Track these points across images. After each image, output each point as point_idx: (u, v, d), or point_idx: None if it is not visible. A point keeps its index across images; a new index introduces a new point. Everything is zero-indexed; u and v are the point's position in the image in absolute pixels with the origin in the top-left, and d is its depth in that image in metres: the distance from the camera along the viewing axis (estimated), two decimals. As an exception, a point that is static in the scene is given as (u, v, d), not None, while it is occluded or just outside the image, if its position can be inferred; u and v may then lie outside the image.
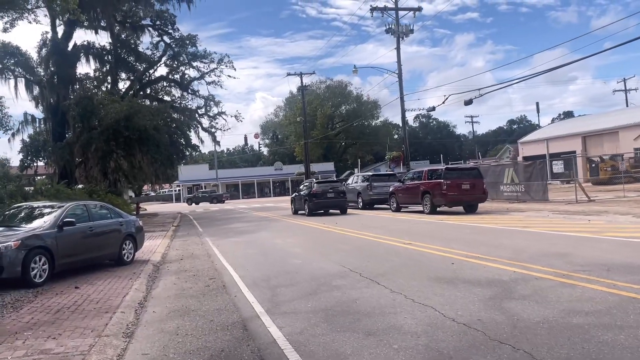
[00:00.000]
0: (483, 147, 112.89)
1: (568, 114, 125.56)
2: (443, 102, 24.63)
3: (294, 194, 27.22)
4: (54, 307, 7.02)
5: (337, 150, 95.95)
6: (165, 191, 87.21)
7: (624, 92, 62.03)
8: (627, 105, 59.80)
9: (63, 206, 10.09)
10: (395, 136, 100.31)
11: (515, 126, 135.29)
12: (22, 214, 10.14)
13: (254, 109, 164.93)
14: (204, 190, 67.84)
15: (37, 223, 9.48)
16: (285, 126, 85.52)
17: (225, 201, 59.88)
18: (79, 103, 24.30)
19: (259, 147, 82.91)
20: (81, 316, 6.41)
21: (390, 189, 23.67)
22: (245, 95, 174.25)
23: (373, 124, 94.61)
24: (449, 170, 19.66)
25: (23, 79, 25.67)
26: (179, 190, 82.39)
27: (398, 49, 29.08)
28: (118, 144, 25.28)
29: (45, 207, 10.31)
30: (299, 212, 25.55)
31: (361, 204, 26.33)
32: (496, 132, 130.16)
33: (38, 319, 6.32)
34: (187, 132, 31.46)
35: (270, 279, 8.23)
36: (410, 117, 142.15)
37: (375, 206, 26.49)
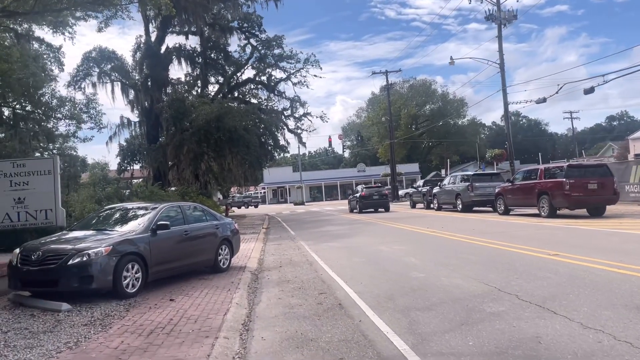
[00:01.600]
0: (579, 146, 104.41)
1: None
2: (557, 92, 21.93)
3: (349, 196, 33.27)
4: (146, 326, 5.96)
5: (422, 151, 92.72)
6: (250, 193, 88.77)
7: None
8: None
9: (157, 207, 9.22)
10: (483, 135, 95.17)
11: (615, 123, 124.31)
12: (115, 216, 9.39)
13: (334, 112, 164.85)
14: (241, 195, 71.82)
15: (129, 226, 8.65)
16: (368, 127, 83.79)
17: (258, 206, 63.36)
18: (171, 105, 24.30)
19: (343, 149, 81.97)
20: (178, 341, 5.25)
21: (497, 190, 21.32)
22: (325, 99, 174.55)
23: (459, 122, 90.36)
24: (571, 168, 17.09)
25: (119, 83, 26.24)
26: (264, 192, 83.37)
27: (500, 36, 26.52)
28: (209, 145, 25.00)
29: (138, 208, 9.51)
30: (353, 210, 32.12)
31: (460, 206, 24.13)
32: (594, 130, 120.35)
33: (128, 343, 5.24)
34: (275, 133, 30.80)
35: (394, 297, 6.70)
36: (497, 115, 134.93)
37: (475, 209, 24.19)
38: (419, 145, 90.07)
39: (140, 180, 35.95)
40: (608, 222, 15.02)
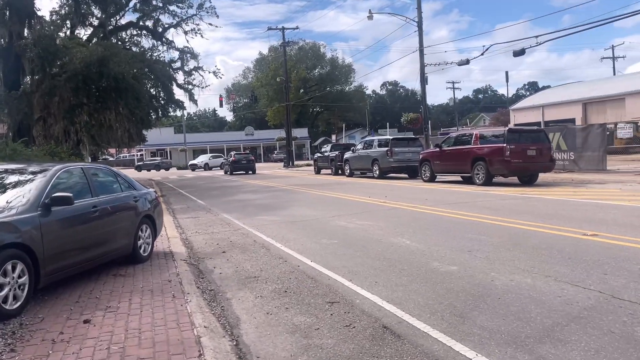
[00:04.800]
0: (449, 116, 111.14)
1: (532, 85, 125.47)
2: (482, 54, 21.11)
3: (316, 156, 33.33)
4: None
5: (310, 116, 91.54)
6: (125, 156, 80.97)
7: (612, 59, 60.42)
8: (614, 74, 58.21)
9: (46, 170, 5.96)
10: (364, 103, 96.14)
11: (481, 96, 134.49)
12: (-26, 184, 5.95)
13: (210, 74, 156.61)
14: (150, 158, 68.51)
15: (2, 200, 5.36)
16: (257, 89, 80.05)
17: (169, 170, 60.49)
18: (37, 43, 19.27)
19: (234, 110, 76.54)
20: None
21: (422, 155, 20.17)
22: (203, 60, 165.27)
23: (346, 89, 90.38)
24: (512, 133, 16.21)
25: (-37, 10, 20.30)
26: (142, 155, 76.49)
27: (417, -6, 25.09)
28: (90, 94, 20.48)
29: (15, 172, 6.14)
30: (226, 172, 37.69)
31: (378, 172, 22.78)
32: (462, 102, 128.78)
33: None
34: (169, 86, 26.51)
35: (464, 312, 4.50)
36: (377, 84, 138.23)
37: (390, 175, 23.04)
38: (307, 110, 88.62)
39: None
40: (551, 190, 14.35)
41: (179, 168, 60.91)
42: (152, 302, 5.15)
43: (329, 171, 29.64)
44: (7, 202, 5.22)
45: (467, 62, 22.60)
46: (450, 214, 10.46)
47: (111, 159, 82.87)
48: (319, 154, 32.43)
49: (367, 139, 29.02)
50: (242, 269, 6.71)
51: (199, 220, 12.01)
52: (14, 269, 4.71)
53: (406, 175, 22.69)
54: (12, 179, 5.94)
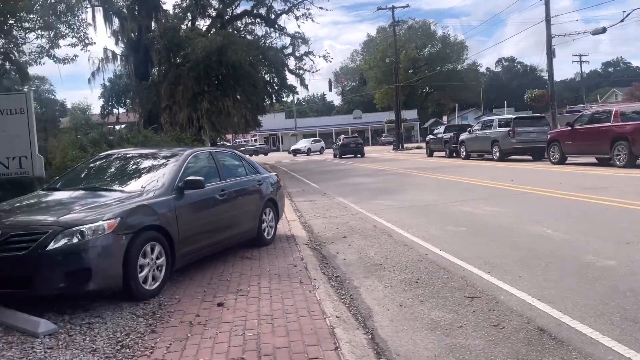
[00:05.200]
0: (573, 93, 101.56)
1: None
2: (622, 21, 18.73)
3: (428, 138, 31.92)
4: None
5: (419, 97, 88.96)
6: (241, 141, 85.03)
7: None
8: None
9: (179, 154, 6.12)
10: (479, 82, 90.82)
11: (611, 69, 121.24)
12: (115, 168, 6.29)
13: (320, 58, 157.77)
14: (251, 144, 69.72)
15: (140, 183, 5.59)
16: (365, 71, 79.32)
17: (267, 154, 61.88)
18: (163, 35, 20.57)
19: (342, 94, 76.52)
20: None
21: (549, 136, 18.50)
22: (312, 45, 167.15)
23: (458, 68, 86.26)
24: (662, 108, 14.19)
25: (101, 9, 22.22)
26: (256, 140, 79.79)
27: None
28: (210, 82, 21.52)
29: (150, 156, 6.40)
30: (336, 156, 37.60)
31: (498, 154, 21.33)
32: (590, 77, 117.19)
33: None
34: (283, 71, 27.05)
35: (623, 307, 3.87)
36: (491, 61, 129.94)
37: (512, 157, 21.45)
38: (416, 91, 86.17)
39: (124, 126, 32.34)
40: None
41: (289, 152, 62.52)
42: (280, 287, 5.07)
43: (442, 154, 28.51)
44: (142, 187, 5.42)
45: (604, 30, 20.26)
46: (592, 199, 9.34)
47: (228, 144, 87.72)
48: (432, 136, 31.30)
49: (485, 118, 27.36)
50: (365, 255, 6.45)
51: (316, 203, 12.00)
52: (152, 250, 4.86)
53: (530, 157, 21.04)
54: (147, 163, 6.19)
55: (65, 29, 15.80)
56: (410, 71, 78.54)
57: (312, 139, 64.51)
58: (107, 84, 31.25)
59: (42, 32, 16.04)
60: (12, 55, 23.34)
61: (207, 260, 6.11)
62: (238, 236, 6.62)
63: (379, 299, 4.71)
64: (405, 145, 48.08)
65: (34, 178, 12.92)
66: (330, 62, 38.69)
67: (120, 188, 5.48)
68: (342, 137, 40.68)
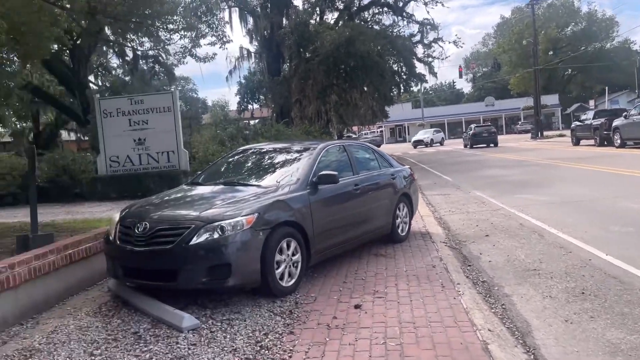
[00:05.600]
0: None
1: None
2: None
3: (574, 124, 28.66)
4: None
5: (560, 81, 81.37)
6: (367, 133, 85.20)
7: None
8: None
9: (312, 148, 5.99)
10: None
11: None
12: (252, 163, 6.35)
13: (451, 44, 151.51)
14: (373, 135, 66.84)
15: (275, 178, 5.55)
16: (499, 55, 74.50)
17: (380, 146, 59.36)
18: (294, 30, 21.05)
19: (474, 80, 72.82)
20: None
21: None
22: (441, 31, 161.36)
23: (608, 46, 77.18)
24: None
25: (237, 9, 23.44)
26: (381, 131, 79.35)
27: None
28: (339, 75, 21.60)
29: (283, 150, 6.37)
30: (466, 146, 36.38)
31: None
32: None
33: None
34: (411, 60, 26.27)
35: None
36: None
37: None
38: (557, 74, 78.92)
39: (257, 121, 33.91)
40: None
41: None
42: (420, 291, 4.68)
43: (590, 142, 25.61)
44: (277, 181, 5.36)
45: None
46: None
47: (354, 135, 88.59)
48: (578, 123, 28.28)
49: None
50: (514, 258, 5.79)
51: (450, 197, 11.33)
52: (288, 246, 4.77)
53: None
54: (281, 157, 6.16)
55: (205, 28, 16.80)
56: (550, 53, 71.93)
57: (433, 129, 62.19)
58: (243, 81, 33.01)
59: (185, 33, 17.22)
60: (160, 58, 25.67)
61: (341, 257, 5.93)
62: (372, 232, 6.34)
63: (538, 312, 4.11)
64: (545, 133, 44.25)
65: (180, 171, 13.95)
66: (461, 47, 36.77)
67: (257, 183, 5.49)
68: (473, 125, 39.43)
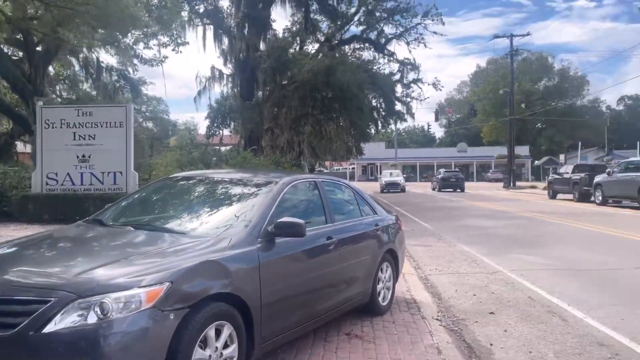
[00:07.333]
0: None
1: None
2: None
3: (551, 177, 28.37)
4: None
5: (531, 133, 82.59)
6: (338, 169, 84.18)
7: None
8: None
9: (271, 183, 4.29)
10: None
11: None
12: (189, 196, 4.56)
13: (425, 89, 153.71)
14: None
15: (213, 223, 3.82)
16: (474, 103, 75.31)
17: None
18: (271, 54, 19.66)
19: (449, 125, 73.32)
20: None
21: None
22: (419, 73, 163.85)
23: (577, 103, 79.15)
24: None
25: (212, 27, 21.97)
26: (353, 168, 78.49)
27: None
28: (315, 104, 20.19)
29: (236, 183, 4.63)
30: (434, 189, 37.57)
31: (649, 203, 17.61)
32: None
33: None
34: (391, 97, 25.13)
35: None
36: (613, 99, 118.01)
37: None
38: (527, 127, 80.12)
39: (229, 147, 32.17)
40: None
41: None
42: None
43: (568, 196, 24.75)
44: (216, 228, 3.64)
45: None
46: None
47: (325, 171, 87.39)
48: (556, 175, 27.57)
49: (633, 159, 23.30)
50: (540, 356, 4.15)
51: (433, 250, 9.75)
52: (218, 334, 3.03)
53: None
54: (231, 192, 4.45)
55: (154, 25, 15.14)
56: (523, 105, 73.06)
57: (396, 171, 60.91)
58: (214, 104, 31.36)
59: (149, 39, 15.56)
60: (126, 72, 23.86)
61: (301, 338, 4.20)
62: (346, 303, 4.63)
63: None
64: (518, 184, 43.81)
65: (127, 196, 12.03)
66: (441, 90, 35.58)
67: (182, 229, 3.73)
68: (442, 170, 41.68)
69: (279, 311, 3.60)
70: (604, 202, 20.66)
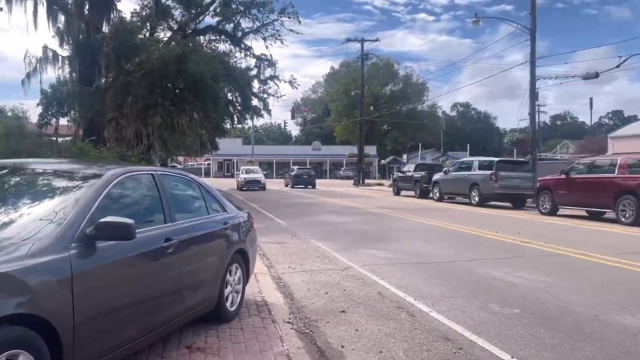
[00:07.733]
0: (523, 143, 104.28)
1: (617, 113, 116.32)
2: (617, 66, 17.66)
3: (396, 175, 30.24)
4: None
5: (378, 134, 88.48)
6: (193, 164, 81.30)
7: None
8: None
9: (94, 176, 3.59)
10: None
11: (559, 122, 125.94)
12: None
13: (285, 84, 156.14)
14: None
15: (16, 224, 3.04)
16: (328, 103, 78.17)
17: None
18: (115, 36, 17.90)
19: (305, 124, 75.10)
20: None
21: (540, 183, 16.96)
22: (276, 71, 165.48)
23: (418, 108, 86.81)
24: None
25: (44, 2, 19.31)
26: (209, 164, 76.46)
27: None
28: (165, 94, 18.87)
29: (56, 174, 3.83)
30: (287, 185, 39.04)
31: (477, 198, 19.65)
32: (539, 129, 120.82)
33: None
34: (247, 91, 24.63)
35: None
36: (447, 105, 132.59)
37: (491, 203, 19.79)
38: (375, 128, 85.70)
39: (68, 139, 28.86)
40: None
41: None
42: None
43: (410, 193, 26.71)
44: (16, 231, 2.88)
45: (597, 75, 19.13)
46: (644, 269, 7.39)
47: (179, 166, 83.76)
48: (400, 174, 29.57)
49: (464, 159, 25.86)
50: (390, 355, 4.08)
51: (287, 248, 9.55)
52: (7, 368, 2.32)
53: (509, 205, 19.49)
54: (57, 184, 3.66)
55: None
56: (372, 107, 77.91)
57: (254, 167, 61.01)
58: (49, 90, 27.80)
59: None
60: None
61: (132, 356, 3.58)
62: (188, 313, 4.11)
63: None
64: (367, 181, 46.41)
65: None
66: (297, 88, 35.79)
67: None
68: (295, 167, 42.80)
69: (101, 330, 2.98)
70: (441, 199, 22.64)
